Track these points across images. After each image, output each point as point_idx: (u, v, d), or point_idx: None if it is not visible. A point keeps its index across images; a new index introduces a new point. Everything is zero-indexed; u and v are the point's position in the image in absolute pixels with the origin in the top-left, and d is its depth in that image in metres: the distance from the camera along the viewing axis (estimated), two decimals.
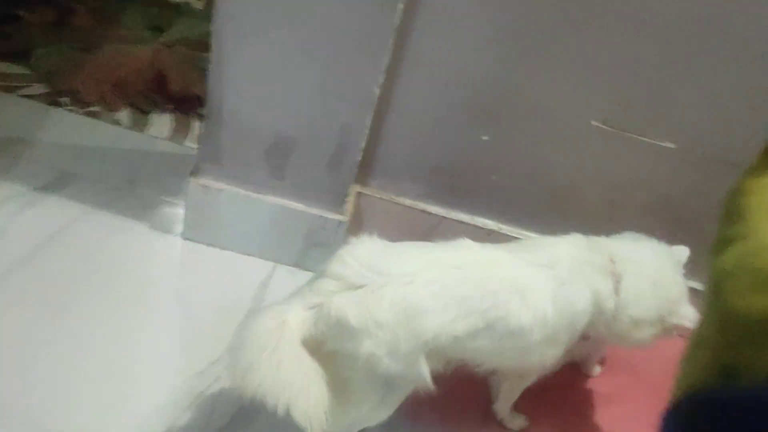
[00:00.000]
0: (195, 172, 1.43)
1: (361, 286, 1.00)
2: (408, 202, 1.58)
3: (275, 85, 1.30)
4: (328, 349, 1.01)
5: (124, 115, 1.83)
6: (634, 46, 1.31)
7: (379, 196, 1.58)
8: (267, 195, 1.45)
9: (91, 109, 1.81)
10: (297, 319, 1.00)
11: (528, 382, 1.26)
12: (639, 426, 1.28)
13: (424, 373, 1.05)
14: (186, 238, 1.52)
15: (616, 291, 1.14)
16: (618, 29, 1.29)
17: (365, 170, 1.54)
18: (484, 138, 1.46)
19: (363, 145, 1.39)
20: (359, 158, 1.40)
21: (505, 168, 1.50)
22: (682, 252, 1.29)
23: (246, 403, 1.08)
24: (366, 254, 1.04)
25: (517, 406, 1.34)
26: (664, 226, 1.46)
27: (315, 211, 1.46)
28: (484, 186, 1.52)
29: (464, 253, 1.11)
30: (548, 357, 1.15)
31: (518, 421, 1.34)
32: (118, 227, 1.52)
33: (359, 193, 1.56)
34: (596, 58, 1.33)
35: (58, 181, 1.58)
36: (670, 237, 1.33)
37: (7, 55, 1.87)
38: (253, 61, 1.28)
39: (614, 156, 1.46)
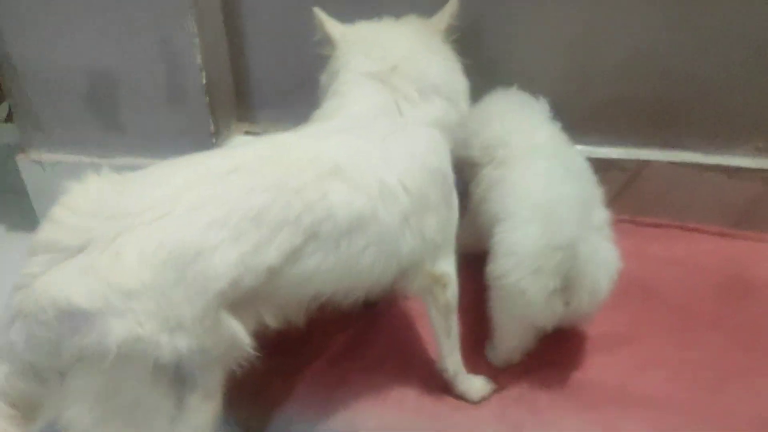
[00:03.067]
0: (22, 147, 1.15)
1: (83, 248, 0.65)
2: None
3: (55, 14, 1.00)
4: (66, 362, 0.66)
5: None
6: None
7: (274, 132, 1.24)
8: (113, 156, 1.14)
9: None
10: None
11: (451, 296, 0.88)
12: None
13: (234, 335, 0.71)
14: None
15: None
16: None
17: (245, 105, 1.21)
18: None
19: (200, 61, 1.05)
20: (204, 81, 1.07)
21: None
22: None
23: None
24: (90, 200, 0.68)
25: (479, 363, 0.94)
26: None
27: None
28: None
29: (239, 151, 0.76)
30: (433, 233, 0.81)
31: (476, 385, 0.92)
32: None
33: (247, 133, 1.23)
34: None
35: None
36: None
37: None
38: None
39: None
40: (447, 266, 0.86)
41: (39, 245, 0.67)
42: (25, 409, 0.70)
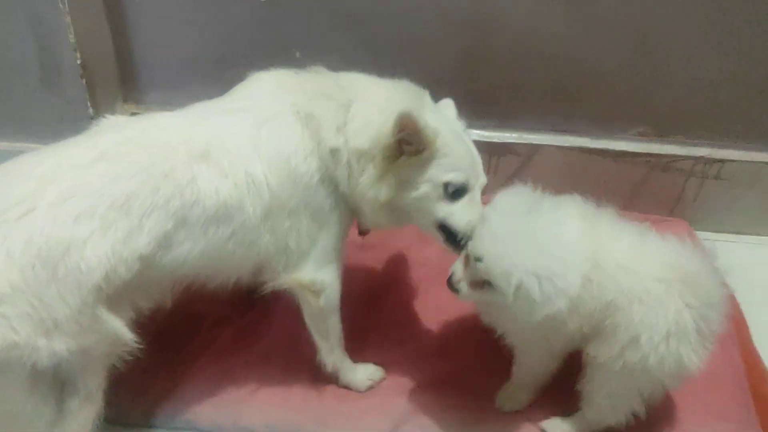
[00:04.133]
0: None
1: None
2: None
3: None
4: None
5: None
6: None
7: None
8: None
9: None
10: None
11: (325, 303, 0.84)
12: None
13: (115, 332, 0.69)
14: None
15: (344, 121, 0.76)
16: None
17: (132, 86, 1.16)
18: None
19: (73, 40, 1.00)
20: (79, 61, 1.01)
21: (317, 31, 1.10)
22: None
23: None
24: None
25: (365, 348, 0.94)
26: None
27: None
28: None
29: (105, 137, 0.73)
30: (287, 238, 0.77)
31: (361, 376, 0.91)
32: None
33: (134, 114, 1.18)
34: None
35: None
36: None
37: None
38: None
39: None
40: (317, 274, 0.81)
41: None
42: None
